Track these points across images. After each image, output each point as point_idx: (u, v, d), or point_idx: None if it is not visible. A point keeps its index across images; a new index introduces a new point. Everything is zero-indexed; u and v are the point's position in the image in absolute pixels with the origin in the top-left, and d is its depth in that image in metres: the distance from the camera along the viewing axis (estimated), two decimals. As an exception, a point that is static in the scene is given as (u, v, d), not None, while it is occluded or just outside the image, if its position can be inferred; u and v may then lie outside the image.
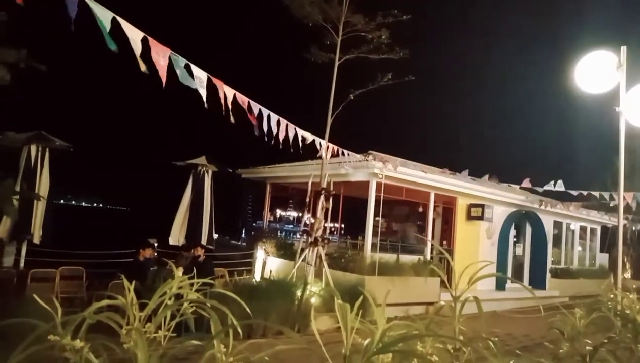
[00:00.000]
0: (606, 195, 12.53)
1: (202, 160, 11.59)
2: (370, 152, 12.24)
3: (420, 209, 14.85)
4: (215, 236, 15.25)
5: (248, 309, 1.11)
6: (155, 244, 10.04)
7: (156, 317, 0.94)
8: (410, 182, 12.23)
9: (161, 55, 3.67)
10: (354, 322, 0.95)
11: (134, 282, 1.08)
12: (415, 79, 11.91)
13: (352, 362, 0.89)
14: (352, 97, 11.04)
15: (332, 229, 19.45)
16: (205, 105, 4.21)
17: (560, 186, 12.56)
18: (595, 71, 5.01)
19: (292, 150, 7.18)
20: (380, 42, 10.90)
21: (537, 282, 15.80)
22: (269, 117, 5.65)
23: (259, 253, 13.07)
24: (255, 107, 5.33)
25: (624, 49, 5.00)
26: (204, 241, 11.15)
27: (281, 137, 6.19)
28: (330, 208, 10.64)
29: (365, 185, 11.95)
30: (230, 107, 4.67)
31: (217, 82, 4.54)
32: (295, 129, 6.60)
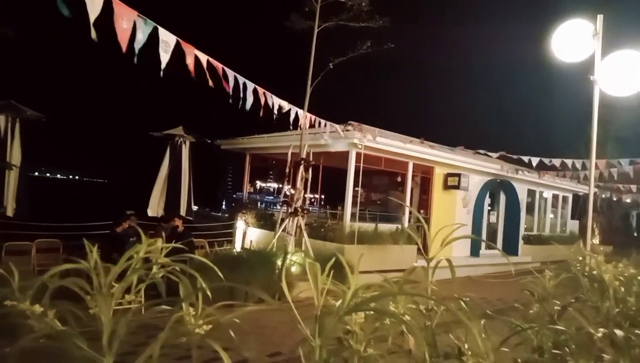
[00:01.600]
0: (579, 163, 12.85)
1: (179, 130, 11.38)
2: (349, 122, 12.20)
3: (399, 179, 15.01)
4: (195, 208, 15.16)
5: (221, 275, 1.10)
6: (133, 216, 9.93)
7: (123, 280, 0.92)
8: (389, 152, 12.31)
9: (125, 19, 3.49)
10: (325, 283, 0.95)
11: (96, 248, 1.05)
12: (395, 49, 11.80)
13: (324, 322, 0.89)
14: (331, 66, 10.88)
15: (312, 200, 19.55)
16: (162, 73, 4.05)
17: (535, 155, 12.82)
18: (571, 40, 5.03)
19: (270, 119, 7.09)
20: (360, 9, 10.70)
21: (510, 248, 16.34)
22: (244, 85, 5.52)
23: (239, 224, 13.08)
24: (230, 74, 5.19)
25: (600, 17, 5.02)
26: (183, 212, 11.07)
27: (258, 106, 6.08)
28: (310, 178, 10.65)
29: (344, 155, 11.98)
30: (207, 73, 4.53)
31: (188, 48, 4.37)
32: (272, 97, 6.49)
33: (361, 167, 11.66)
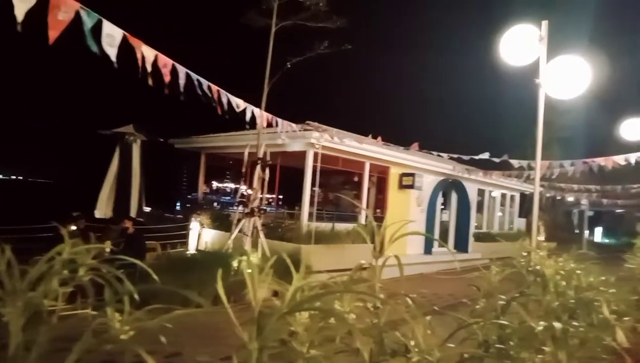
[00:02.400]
0: (525, 163, 13.45)
1: (129, 128, 11.02)
2: (307, 122, 12.19)
3: (356, 179, 15.17)
4: (147, 209, 14.68)
5: (156, 278, 1.04)
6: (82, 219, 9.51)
7: (41, 284, 0.84)
8: (347, 152, 12.40)
9: (63, 10, 3.28)
10: (264, 281, 0.92)
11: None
12: (354, 50, 11.93)
13: (263, 323, 0.86)
14: (289, 65, 10.84)
15: (270, 200, 19.39)
16: (115, 65, 3.86)
17: (484, 155, 13.30)
18: (518, 44, 5.24)
19: (226, 118, 6.94)
20: (318, 9, 10.72)
21: (461, 245, 16.94)
22: (198, 82, 5.35)
23: (194, 225, 12.76)
24: (182, 71, 5.01)
25: (545, 23, 5.25)
26: (133, 214, 10.72)
27: (213, 103, 5.92)
28: (267, 178, 10.54)
29: (302, 155, 11.96)
30: (149, 69, 4.34)
31: (135, 42, 4.17)
32: (227, 95, 6.35)
33: (319, 167, 11.68)
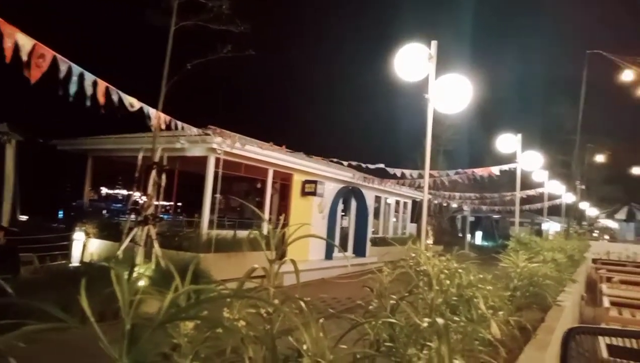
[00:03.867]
0: (415, 173, 14.46)
1: (3, 126, 9.91)
2: (208, 126, 11.84)
3: (259, 185, 15.08)
4: (23, 217, 13.13)
5: (11, 291, 0.90)
6: None
7: None
8: (249, 158, 12.28)
9: None
10: (137, 291, 0.85)
11: None
12: (258, 55, 11.89)
13: (136, 337, 0.78)
14: (189, 67, 10.49)
15: (167, 207, 18.43)
16: None
17: (380, 165, 14.04)
18: (410, 61, 5.61)
19: (119, 118, 6.46)
20: (221, 11, 10.52)
21: (360, 250, 17.70)
22: (82, 76, 4.85)
23: (78, 235, 11.63)
24: (64, 63, 4.51)
25: (434, 43, 5.69)
26: (5, 223, 9.59)
27: (99, 101, 5.42)
28: (163, 184, 10.00)
29: (202, 160, 11.59)
30: (26, 59, 3.86)
31: (8, 29, 3.66)
32: (118, 93, 5.88)
33: (220, 173, 11.39)
